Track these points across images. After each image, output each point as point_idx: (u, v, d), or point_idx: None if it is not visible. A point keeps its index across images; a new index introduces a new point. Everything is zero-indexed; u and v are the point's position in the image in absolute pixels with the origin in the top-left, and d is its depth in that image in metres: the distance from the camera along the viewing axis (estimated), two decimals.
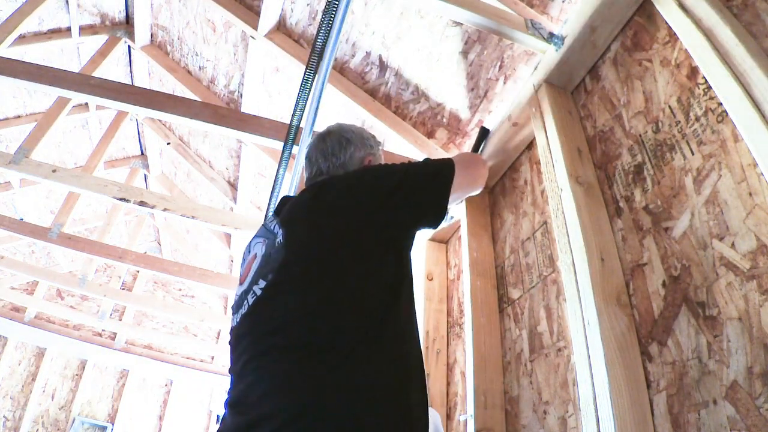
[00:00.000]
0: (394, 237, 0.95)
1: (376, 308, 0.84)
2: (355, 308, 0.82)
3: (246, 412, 0.74)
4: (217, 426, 0.80)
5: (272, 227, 1.00)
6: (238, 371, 0.83)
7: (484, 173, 1.19)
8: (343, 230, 0.91)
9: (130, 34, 3.84)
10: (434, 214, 1.01)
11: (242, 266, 1.03)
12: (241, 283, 0.97)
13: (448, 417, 1.89)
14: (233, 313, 0.95)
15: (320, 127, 1.93)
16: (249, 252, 1.04)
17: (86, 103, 4.24)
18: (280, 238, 0.94)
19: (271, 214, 1.15)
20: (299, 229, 0.94)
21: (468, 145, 2.13)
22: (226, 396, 0.83)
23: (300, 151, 1.83)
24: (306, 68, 1.55)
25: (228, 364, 0.92)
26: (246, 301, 0.90)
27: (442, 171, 1.06)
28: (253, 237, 1.08)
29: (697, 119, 1.04)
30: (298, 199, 1.04)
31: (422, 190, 1.01)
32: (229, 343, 0.94)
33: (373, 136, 1.25)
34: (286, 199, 1.12)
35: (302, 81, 1.60)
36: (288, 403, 0.71)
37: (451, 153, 2.23)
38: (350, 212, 0.93)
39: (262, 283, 0.89)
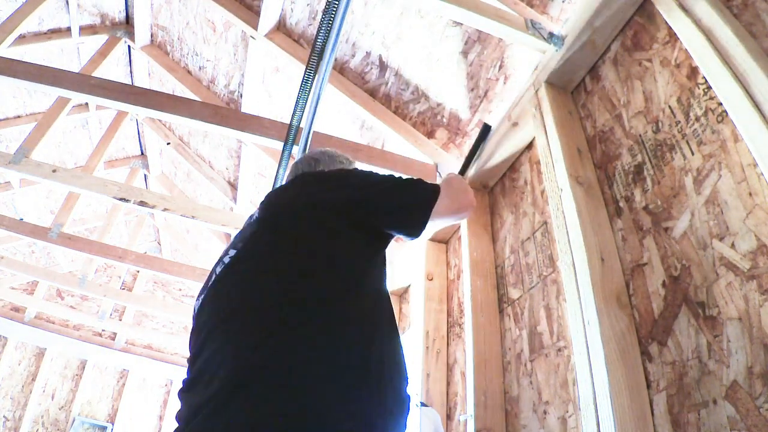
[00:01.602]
0: (364, 227, 0.96)
1: (336, 286, 0.84)
2: (315, 280, 0.83)
3: (209, 383, 0.71)
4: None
5: (252, 214, 1.06)
6: (197, 349, 0.81)
7: (471, 200, 1.16)
8: (313, 206, 0.94)
9: (130, 34, 3.84)
10: (411, 224, 1.01)
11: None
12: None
13: (448, 417, 1.89)
14: (198, 296, 0.95)
15: (320, 127, 1.94)
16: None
17: (86, 103, 4.24)
18: (255, 215, 1.00)
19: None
20: (273, 206, 1.00)
21: (468, 144, 2.13)
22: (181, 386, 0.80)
23: (300, 151, 1.83)
24: (306, 68, 1.55)
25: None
26: (214, 272, 0.92)
27: (428, 189, 1.06)
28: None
29: (697, 119, 1.04)
30: (279, 188, 1.13)
31: (403, 196, 1.02)
32: (193, 317, 0.93)
33: (346, 157, 1.31)
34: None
35: (302, 81, 1.60)
36: (244, 364, 0.70)
37: (451, 153, 2.23)
38: (325, 192, 0.97)
39: (231, 252, 0.91)
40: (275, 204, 1.01)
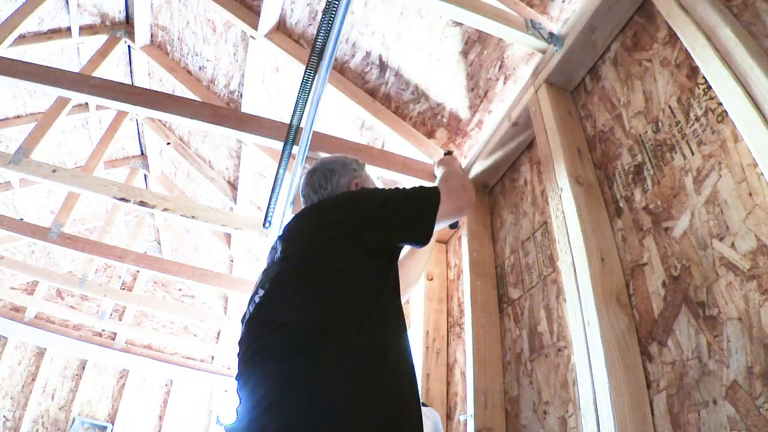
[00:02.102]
0: (377, 249, 1.02)
1: (354, 313, 0.90)
2: (336, 311, 0.89)
3: (247, 414, 0.81)
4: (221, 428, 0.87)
5: (275, 245, 1.11)
6: (239, 376, 0.92)
7: (471, 196, 1.22)
8: (328, 242, 0.99)
9: (130, 34, 3.84)
10: (419, 235, 1.07)
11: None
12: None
13: (448, 417, 1.89)
14: (241, 324, 1.03)
15: (320, 127, 1.93)
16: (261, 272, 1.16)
17: (86, 103, 4.24)
18: (278, 253, 1.05)
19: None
20: (293, 243, 1.05)
21: (468, 144, 2.13)
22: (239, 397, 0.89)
23: (300, 151, 1.83)
24: (306, 68, 1.55)
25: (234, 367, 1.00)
26: (248, 310, 0.99)
27: (429, 196, 1.11)
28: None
29: (697, 119, 1.04)
30: (295, 219, 1.16)
31: (407, 210, 1.08)
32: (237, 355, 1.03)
33: (356, 160, 1.36)
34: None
35: (302, 81, 1.60)
36: (269, 404, 0.79)
37: None
38: (337, 226, 1.02)
39: (260, 292, 0.98)
40: (295, 243, 1.05)
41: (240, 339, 0.98)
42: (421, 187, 1.14)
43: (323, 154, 2.06)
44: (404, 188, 1.13)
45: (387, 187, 1.15)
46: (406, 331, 0.99)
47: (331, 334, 0.84)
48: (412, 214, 1.06)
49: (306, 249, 1.00)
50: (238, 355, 0.98)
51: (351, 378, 0.80)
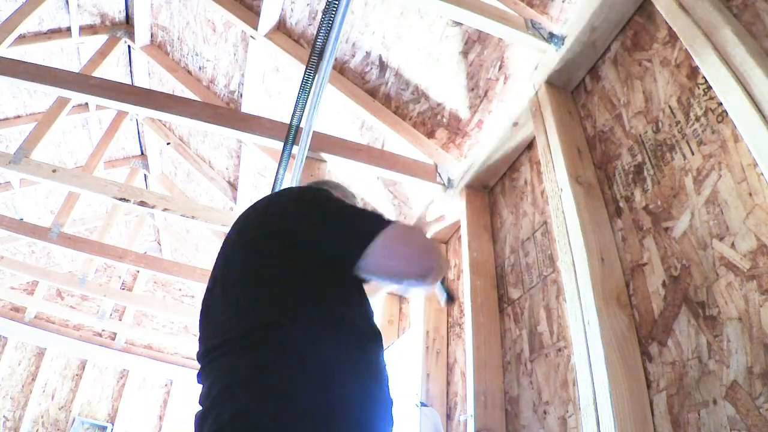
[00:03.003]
0: (314, 258, 0.88)
1: (281, 311, 0.83)
2: (263, 309, 0.84)
3: (201, 405, 0.81)
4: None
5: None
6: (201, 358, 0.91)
7: (439, 264, 0.87)
8: (262, 240, 0.91)
9: (130, 34, 3.84)
10: (344, 258, 0.86)
11: None
12: None
13: (448, 417, 1.89)
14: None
15: (320, 127, 1.93)
16: None
17: (86, 103, 4.24)
18: (222, 247, 1.01)
19: None
20: (236, 234, 0.99)
21: (468, 144, 2.13)
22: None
23: (300, 151, 1.83)
24: (306, 68, 1.55)
25: None
26: (201, 307, 0.98)
27: (373, 219, 0.88)
28: None
29: (697, 119, 1.04)
30: (244, 212, 1.05)
31: (340, 226, 0.88)
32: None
33: (336, 184, 1.25)
34: None
35: (302, 81, 1.60)
36: (219, 397, 0.77)
37: (451, 153, 2.23)
38: (270, 224, 0.94)
39: (210, 283, 0.97)
40: (232, 241, 1.00)
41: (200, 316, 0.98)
42: (362, 211, 0.93)
43: (323, 154, 2.06)
44: (347, 205, 0.94)
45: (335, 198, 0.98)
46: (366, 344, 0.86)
47: (252, 346, 0.80)
48: (342, 234, 0.87)
49: (243, 243, 0.95)
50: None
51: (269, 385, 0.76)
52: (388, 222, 0.86)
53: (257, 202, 1.04)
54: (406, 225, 0.91)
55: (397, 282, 0.88)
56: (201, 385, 0.86)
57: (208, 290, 0.96)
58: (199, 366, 0.89)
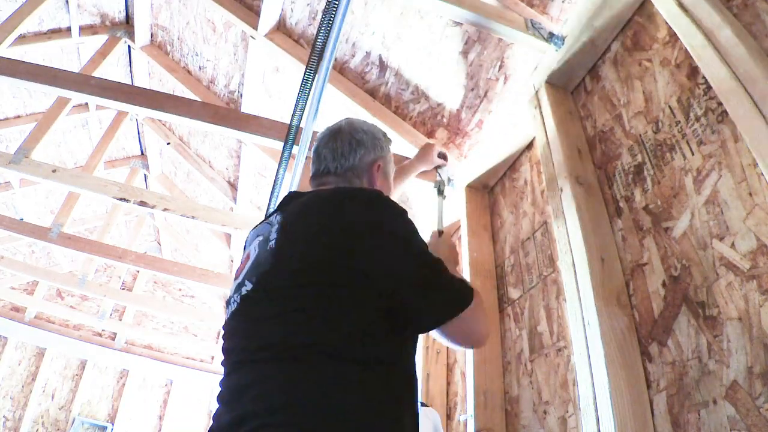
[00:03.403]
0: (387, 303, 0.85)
1: (357, 327, 0.82)
2: (333, 323, 0.81)
3: (238, 410, 0.76)
4: (211, 421, 0.83)
5: (271, 225, 0.95)
6: (228, 368, 0.86)
7: (488, 328, 0.98)
8: (334, 247, 0.84)
9: (130, 34, 3.84)
10: (426, 328, 0.89)
11: (241, 259, 1.02)
12: (235, 278, 0.96)
13: (448, 417, 1.89)
14: (226, 306, 0.96)
15: (320, 127, 1.93)
16: (248, 245, 1.02)
17: (86, 103, 4.24)
18: (272, 243, 0.90)
19: (274, 207, 1.10)
20: (295, 236, 0.89)
21: (468, 144, 2.13)
22: (220, 392, 0.85)
23: (300, 151, 1.83)
24: (306, 68, 1.55)
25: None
26: (234, 299, 0.91)
27: (463, 291, 0.90)
28: (254, 229, 1.05)
29: (697, 119, 1.04)
30: (305, 203, 0.95)
31: (432, 298, 0.87)
32: (222, 336, 0.95)
33: (385, 135, 1.19)
34: (293, 195, 1.07)
35: (302, 81, 1.60)
36: (269, 403, 0.75)
37: (451, 153, 2.22)
38: (354, 256, 0.84)
39: (248, 284, 0.88)
40: (294, 241, 0.88)
41: (228, 330, 0.90)
42: (453, 278, 0.91)
43: None
44: (440, 267, 0.89)
45: (416, 237, 0.91)
46: (409, 367, 0.89)
47: (318, 360, 0.78)
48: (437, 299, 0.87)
49: (309, 252, 0.85)
50: (224, 341, 0.90)
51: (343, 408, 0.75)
52: (472, 294, 0.89)
53: (319, 205, 0.92)
54: (479, 296, 0.93)
55: (453, 344, 0.93)
56: (229, 382, 0.82)
57: (257, 287, 0.86)
58: (229, 363, 0.85)
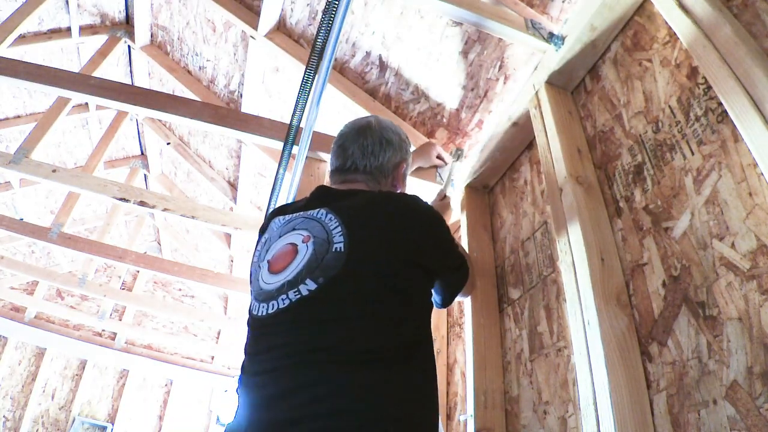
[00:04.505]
0: (426, 282, 1.04)
1: (414, 331, 0.92)
2: (398, 329, 0.88)
3: (289, 410, 0.76)
4: (241, 415, 0.82)
5: (320, 222, 0.95)
6: (263, 366, 0.84)
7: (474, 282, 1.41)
8: (406, 258, 0.95)
9: (130, 34, 3.84)
10: (444, 302, 1.23)
11: (269, 250, 0.99)
12: (274, 271, 0.93)
13: (448, 417, 1.89)
14: (260, 300, 0.92)
15: (320, 127, 1.93)
16: (278, 237, 0.99)
17: (86, 103, 4.24)
18: (340, 246, 0.89)
19: (305, 203, 1.06)
20: (367, 242, 0.91)
21: (468, 144, 2.13)
22: (260, 391, 0.82)
23: (300, 151, 1.83)
24: (306, 68, 1.55)
25: (245, 358, 0.93)
26: (286, 296, 0.87)
27: (465, 275, 1.24)
28: (279, 219, 1.04)
29: (697, 119, 1.04)
30: (366, 207, 0.98)
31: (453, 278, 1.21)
32: (251, 326, 0.93)
33: (407, 138, 1.25)
34: (325, 189, 1.09)
35: (302, 81, 1.60)
36: (330, 406, 0.76)
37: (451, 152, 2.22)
38: (419, 252, 0.99)
39: (310, 284, 0.86)
40: (369, 242, 0.92)
41: (272, 325, 0.87)
42: (464, 261, 1.22)
43: (323, 154, 2.06)
44: (458, 249, 1.20)
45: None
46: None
47: (383, 362, 0.83)
48: (456, 283, 1.22)
49: (380, 256, 0.91)
50: (259, 335, 0.89)
51: (405, 408, 0.82)
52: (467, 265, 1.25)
53: (386, 215, 0.98)
54: (470, 262, 1.33)
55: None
56: (271, 380, 0.81)
57: (323, 289, 0.86)
58: (269, 363, 0.83)
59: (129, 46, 3.94)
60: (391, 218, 0.97)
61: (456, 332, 2.05)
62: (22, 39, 3.47)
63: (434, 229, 1.08)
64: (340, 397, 0.75)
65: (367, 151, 1.13)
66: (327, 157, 2.07)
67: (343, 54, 2.37)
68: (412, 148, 1.31)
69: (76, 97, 2.30)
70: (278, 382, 0.80)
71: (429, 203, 1.13)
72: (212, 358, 6.22)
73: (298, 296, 0.86)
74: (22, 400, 5.21)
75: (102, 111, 4.38)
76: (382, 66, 2.26)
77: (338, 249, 0.89)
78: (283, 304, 0.87)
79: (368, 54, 2.28)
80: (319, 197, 1.06)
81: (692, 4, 1.05)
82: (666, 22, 1.16)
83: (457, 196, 2.06)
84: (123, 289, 6.04)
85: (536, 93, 1.55)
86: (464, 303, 1.74)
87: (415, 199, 1.08)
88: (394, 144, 1.16)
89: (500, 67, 1.83)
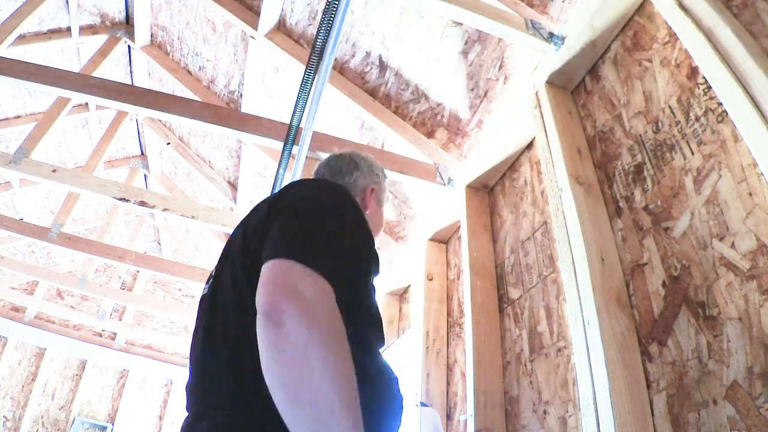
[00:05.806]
0: None
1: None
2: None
3: (194, 404, 0.77)
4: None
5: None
6: (191, 359, 0.86)
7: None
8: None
9: (130, 34, 3.84)
10: None
11: None
12: None
13: (448, 417, 1.89)
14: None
15: (320, 127, 1.94)
16: None
17: (86, 103, 4.24)
18: (231, 237, 0.93)
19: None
20: (238, 235, 0.89)
21: (468, 144, 2.13)
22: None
23: (300, 151, 1.83)
24: (306, 68, 1.55)
25: None
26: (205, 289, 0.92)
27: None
28: None
29: (697, 119, 1.04)
30: (261, 201, 0.96)
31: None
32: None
33: (383, 170, 1.26)
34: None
35: (302, 81, 1.60)
36: (219, 399, 0.73)
37: (451, 153, 2.23)
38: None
39: (211, 280, 0.90)
40: (239, 235, 0.89)
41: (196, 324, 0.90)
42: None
43: (323, 154, 2.06)
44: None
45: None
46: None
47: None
48: None
49: (240, 249, 0.85)
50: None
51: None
52: None
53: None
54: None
55: None
56: None
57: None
58: None
59: (129, 46, 3.94)
60: (268, 206, 0.90)
61: (456, 332, 2.05)
62: (22, 39, 3.47)
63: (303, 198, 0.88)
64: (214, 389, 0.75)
65: (335, 170, 1.17)
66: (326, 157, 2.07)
67: (343, 54, 2.37)
68: (387, 181, 1.28)
69: (76, 97, 2.29)
70: (191, 373, 0.83)
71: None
72: None
73: (203, 293, 0.92)
74: (22, 400, 5.21)
75: (102, 111, 4.38)
76: (382, 66, 2.26)
77: (228, 242, 0.95)
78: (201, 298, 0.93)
79: (368, 54, 2.28)
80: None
81: (692, 4, 1.05)
82: (666, 22, 1.16)
83: (455, 195, 2.06)
84: (123, 289, 6.04)
85: (536, 93, 1.55)
86: (464, 303, 1.74)
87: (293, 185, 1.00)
88: (362, 168, 1.19)
89: (500, 67, 1.83)
